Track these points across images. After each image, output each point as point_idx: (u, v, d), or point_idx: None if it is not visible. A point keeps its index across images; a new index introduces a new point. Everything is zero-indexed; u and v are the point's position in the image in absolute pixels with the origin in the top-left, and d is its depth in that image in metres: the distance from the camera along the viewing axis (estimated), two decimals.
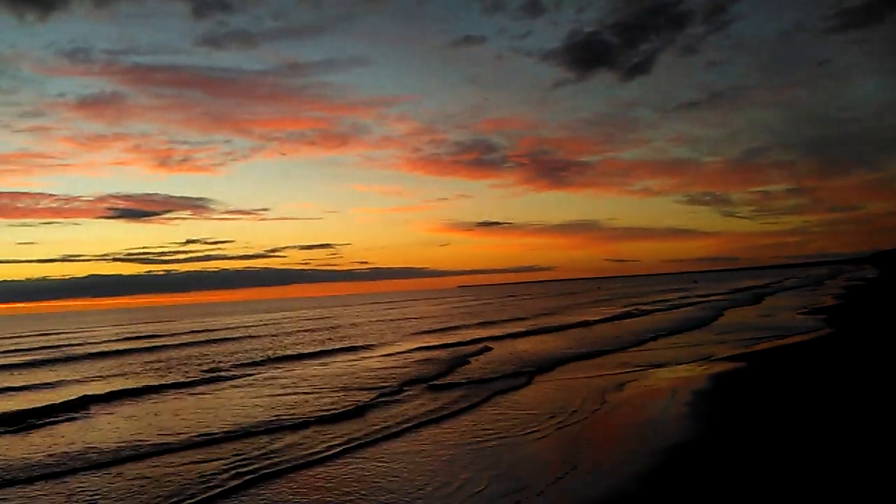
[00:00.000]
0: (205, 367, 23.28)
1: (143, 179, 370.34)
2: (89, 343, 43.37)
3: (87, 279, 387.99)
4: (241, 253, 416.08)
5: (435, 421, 12.18)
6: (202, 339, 40.87)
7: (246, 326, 54.80)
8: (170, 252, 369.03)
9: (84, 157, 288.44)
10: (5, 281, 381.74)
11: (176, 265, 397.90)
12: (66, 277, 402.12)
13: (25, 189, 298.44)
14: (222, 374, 21.08)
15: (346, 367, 21.13)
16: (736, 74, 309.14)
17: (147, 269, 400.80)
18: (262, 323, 60.07)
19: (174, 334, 48.37)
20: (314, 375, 19.60)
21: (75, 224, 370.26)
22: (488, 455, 9.59)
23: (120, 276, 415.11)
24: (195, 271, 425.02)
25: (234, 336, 41.64)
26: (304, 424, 12.33)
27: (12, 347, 43.01)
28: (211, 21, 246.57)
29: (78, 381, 21.43)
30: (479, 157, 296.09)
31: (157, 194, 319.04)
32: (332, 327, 46.35)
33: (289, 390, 16.80)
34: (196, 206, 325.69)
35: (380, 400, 14.35)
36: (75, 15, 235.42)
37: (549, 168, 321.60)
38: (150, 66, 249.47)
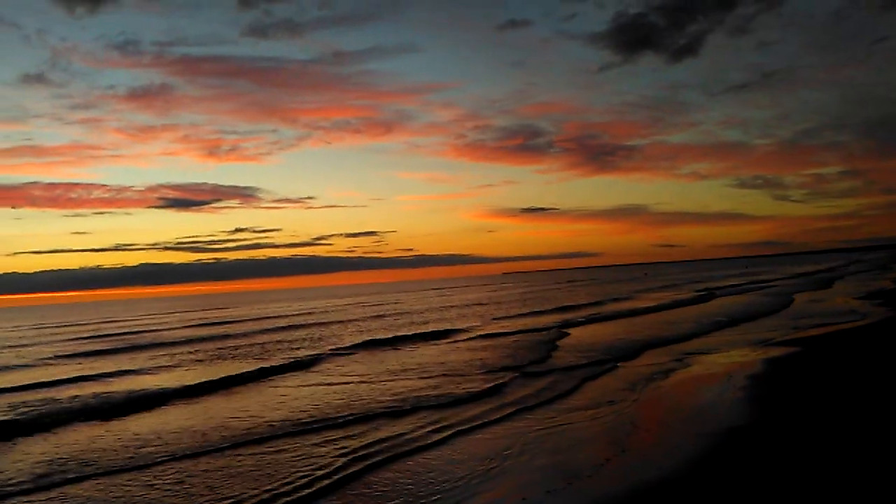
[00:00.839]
0: (295, 353, 23.77)
1: (192, 169, 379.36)
2: (168, 329, 44.70)
3: (139, 268, 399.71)
4: (289, 241, 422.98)
5: (529, 409, 12.18)
6: (277, 325, 41.78)
7: (312, 313, 55.80)
8: (219, 241, 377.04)
9: (134, 148, 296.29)
10: (60, 269, 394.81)
11: (225, 253, 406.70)
12: (119, 266, 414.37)
13: (78, 180, 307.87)
14: (313, 359, 21.55)
15: (433, 354, 21.40)
16: (788, 54, 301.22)
17: (196, 258, 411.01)
18: (326, 309, 61.08)
19: (246, 320, 49.58)
20: (408, 361, 19.96)
21: (127, 214, 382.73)
22: (563, 440, 9.80)
23: (170, 264, 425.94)
24: (243, 259, 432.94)
25: (307, 322, 42.44)
26: (411, 410, 12.49)
27: (91, 334, 44.58)
28: (256, 11, 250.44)
29: (171, 368, 22.14)
30: (525, 143, 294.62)
31: (205, 184, 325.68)
32: (400, 313, 46.89)
33: (387, 376, 17.12)
34: (244, 195, 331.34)
35: (483, 388, 14.42)
36: (124, 7, 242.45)
37: (596, 152, 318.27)
38: (198, 56, 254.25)
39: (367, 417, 12.11)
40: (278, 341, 29.51)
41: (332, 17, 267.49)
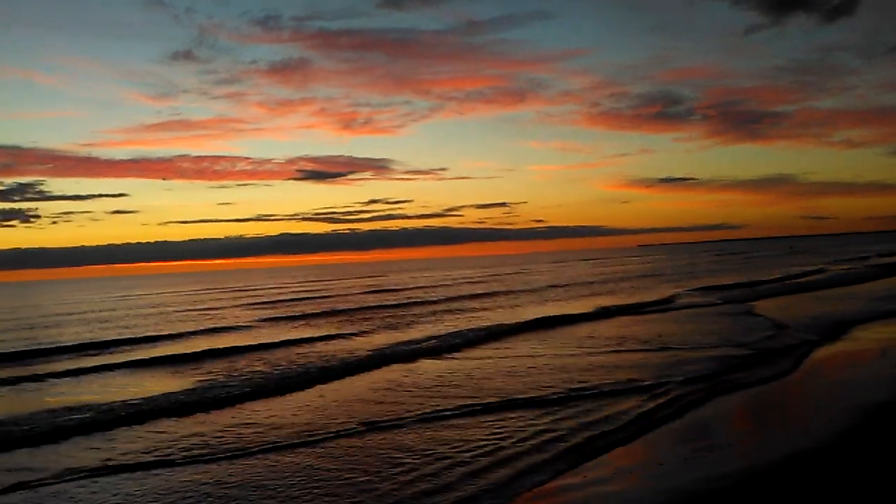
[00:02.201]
0: (486, 321, 24.46)
1: (328, 142, 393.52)
2: (340, 296, 47.29)
3: (279, 237, 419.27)
4: (420, 212, 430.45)
5: (746, 385, 11.92)
6: (447, 294, 42.90)
7: (472, 282, 56.94)
8: (353, 212, 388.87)
9: (274, 122, 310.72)
10: (207, 239, 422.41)
11: (359, 224, 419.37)
12: (260, 236, 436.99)
13: (223, 153, 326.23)
14: (512, 329, 22.11)
15: (644, 327, 21.36)
16: None
17: (332, 229, 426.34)
18: (483, 279, 61.89)
19: (408, 288, 51.27)
20: (616, 333, 20.13)
21: (267, 185, 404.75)
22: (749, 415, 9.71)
23: (308, 234, 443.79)
24: (377, 230, 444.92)
25: (482, 292, 42.92)
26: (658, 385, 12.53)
27: (273, 299, 47.79)
28: None
29: (371, 331, 23.61)
30: (663, 110, 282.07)
31: (341, 156, 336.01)
32: (573, 284, 46.85)
33: (599, 349, 17.23)
34: (378, 166, 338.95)
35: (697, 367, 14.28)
36: None
37: (740, 120, 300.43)
38: (334, 30, 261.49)
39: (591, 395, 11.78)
40: (459, 309, 30.65)
41: None
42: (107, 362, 18.85)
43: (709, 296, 30.72)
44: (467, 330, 21.77)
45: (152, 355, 19.79)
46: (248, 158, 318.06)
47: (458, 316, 27.52)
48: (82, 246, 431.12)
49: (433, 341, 19.64)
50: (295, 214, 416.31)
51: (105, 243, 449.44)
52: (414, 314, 29.55)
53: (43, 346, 23.27)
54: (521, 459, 8.30)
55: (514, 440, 9.11)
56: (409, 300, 38.53)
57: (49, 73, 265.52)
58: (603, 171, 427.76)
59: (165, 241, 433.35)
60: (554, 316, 24.88)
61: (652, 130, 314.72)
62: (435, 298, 39.24)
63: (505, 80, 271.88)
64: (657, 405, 10.66)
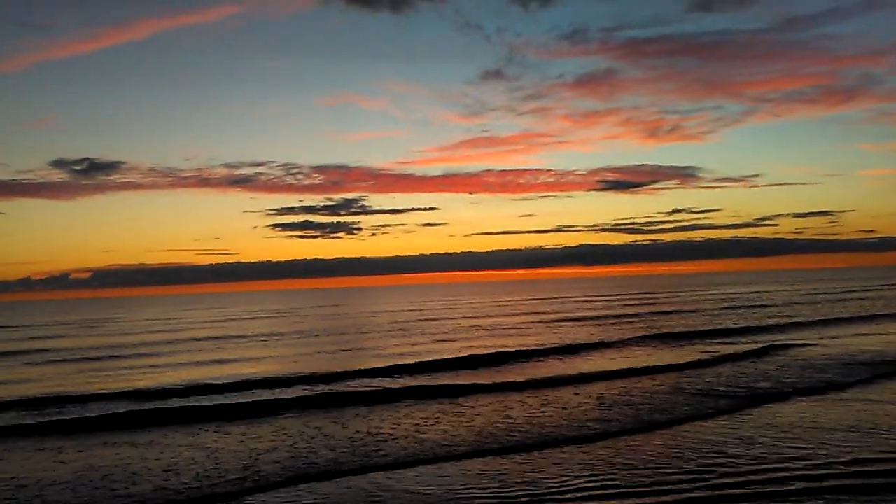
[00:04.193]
0: None
1: (631, 151, 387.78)
2: (692, 311, 46.97)
3: (578, 248, 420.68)
4: (728, 222, 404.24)
5: None
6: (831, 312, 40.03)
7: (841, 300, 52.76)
8: (655, 222, 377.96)
9: (578, 134, 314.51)
10: (509, 250, 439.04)
11: (661, 235, 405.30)
12: (560, 247, 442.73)
13: (526, 166, 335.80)
14: None
15: None
16: None
17: (632, 239, 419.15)
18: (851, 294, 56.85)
19: (775, 305, 48.18)
20: None
21: (568, 197, 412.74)
22: None
23: (607, 245, 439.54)
24: (680, 241, 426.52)
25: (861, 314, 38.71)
26: None
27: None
28: None
29: None
30: None
31: (644, 165, 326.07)
32: None
33: None
34: (683, 175, 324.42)
35: None
36: None
37: None
38: (642, 38, 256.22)
39: None
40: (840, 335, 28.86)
41: None
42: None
43: None
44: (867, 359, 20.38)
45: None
46: (550, 171, 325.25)
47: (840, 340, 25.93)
48: (397, 256, 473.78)
49: (822, 374, 18.40)
50: (594, 225, 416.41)
51: (417, 253, 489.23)
52: (784, 337, 28.07)
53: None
54: None
55: None
56: (775, 320, 36.59)
57: (373, 97, 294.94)
58: None
59: (470, 252, 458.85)
60: None
61: None
62: (800, 319, 36.64)
63: (830, 78, 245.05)
64: None
